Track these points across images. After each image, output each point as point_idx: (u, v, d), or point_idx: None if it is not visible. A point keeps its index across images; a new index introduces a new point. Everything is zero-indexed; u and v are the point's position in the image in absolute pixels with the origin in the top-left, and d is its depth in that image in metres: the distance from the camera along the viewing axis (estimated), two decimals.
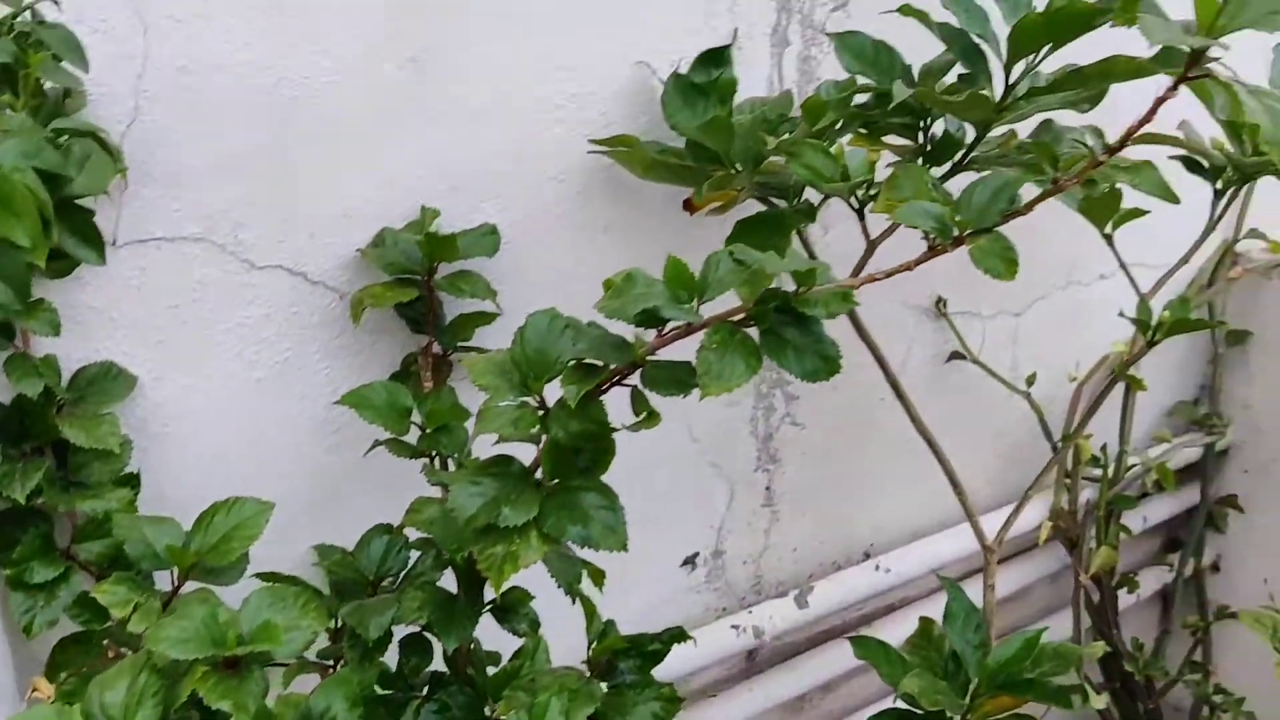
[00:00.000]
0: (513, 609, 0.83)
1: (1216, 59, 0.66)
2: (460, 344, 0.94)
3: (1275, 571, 1.71)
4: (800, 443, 1.27)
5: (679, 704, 0.76)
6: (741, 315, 0.67)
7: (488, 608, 0.83)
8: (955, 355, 1.37)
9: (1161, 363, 1.65)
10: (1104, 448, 1.48)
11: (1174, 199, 0.90)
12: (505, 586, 0.69)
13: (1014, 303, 1.42)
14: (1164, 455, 1.54)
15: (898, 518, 1.41)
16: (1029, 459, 1.53)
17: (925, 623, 1.06)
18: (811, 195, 0.95)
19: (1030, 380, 1.41)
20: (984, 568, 1.08)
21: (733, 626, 1.22)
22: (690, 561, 1.23)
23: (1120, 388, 1.54)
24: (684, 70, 1.00)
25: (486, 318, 0.93)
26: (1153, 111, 0.69)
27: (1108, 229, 1.07)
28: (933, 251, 0.72)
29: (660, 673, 1.15)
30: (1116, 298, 1.38)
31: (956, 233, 0.69)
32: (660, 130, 0.99)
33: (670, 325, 0.69)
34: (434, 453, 0.85)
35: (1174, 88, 0.67)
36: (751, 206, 0.99)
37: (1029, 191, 0.81)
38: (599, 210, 1.03)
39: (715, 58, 1.00)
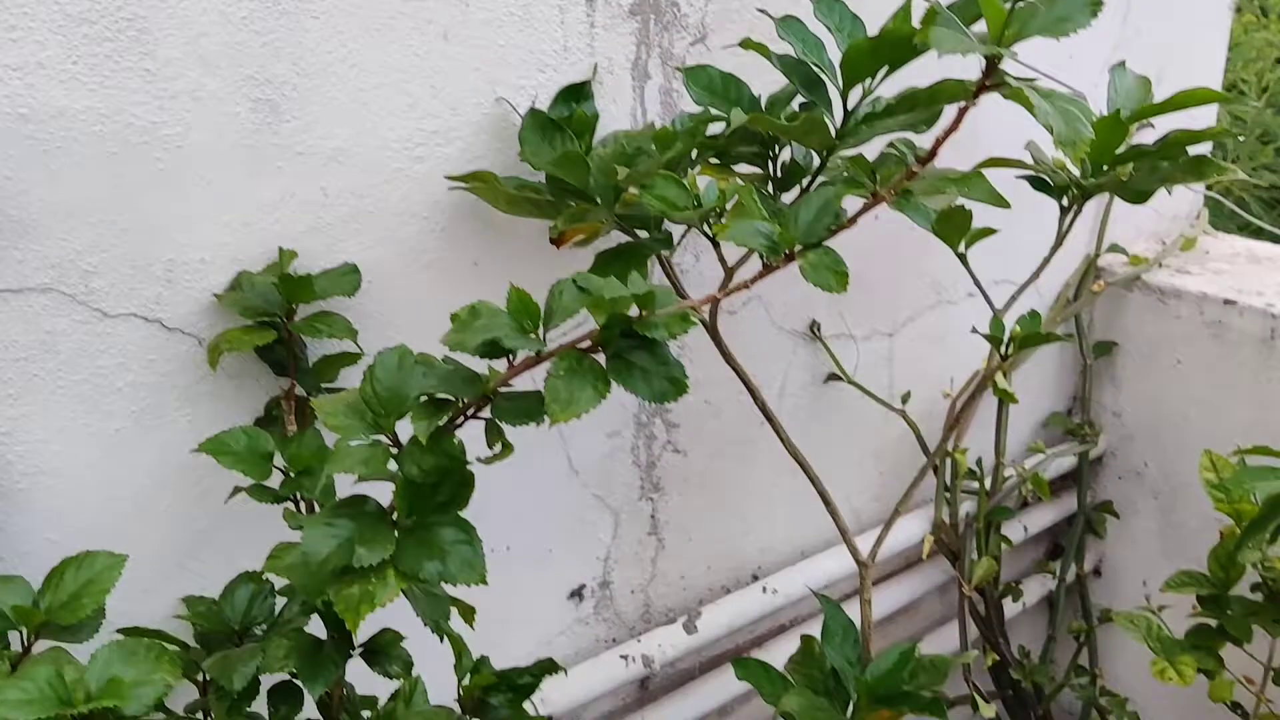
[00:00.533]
0: (383, 651, 0.83)
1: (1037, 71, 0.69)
2: (325, 385, 0.93)
3: (1153, 573, 1.76)
4: (683, 469, 1.28)
5: None
6: (589, 342, 0.68)
7: (357, 651, 0.83)
8: (832, 377, 1.40)
9: (1034, 376, 1.70)
10: (979, 461, 1.52)
11: (1004, 204, 0.93)
12: (364, 627, 0.69)
13: (886, 324, 1.45)
14: (1038, 465, 1.58)
15: (784, 539, 1.43)
16: (910, 475, 1.57)
17: (807, 641, 1.08)
18: (672, 224, 0.97)
19: (905, 398, 1.45)
20: (860, 583, 1.10)
21: (621, 656, 1.22)
22: (577, 594, 1.23)
23: (994, 402, 1.59)
24: (544, 106, 1.01)
25: (350, 358, 0.93)
26: (957, 122, 0.72)
27: (961, 247, 1.11)
28: (766, 269, 0.74)
29: (553, 706, 1.15)
30: (987, 315, 1.43)
31: (787, 250, 0.71)
32: (525, 165, 1.00)
33: (521, 356, 0.69)
34: (298, 497, 0.84)
35: (974, 97, 0.70)
36: (617, 238, 1.01)
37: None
38: (466, 247, 1.03)
39: (575, 93, 1.02)
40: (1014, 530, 1.66)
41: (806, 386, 1.39)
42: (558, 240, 1.01)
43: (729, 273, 0.90)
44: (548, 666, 0.79)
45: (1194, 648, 1.33)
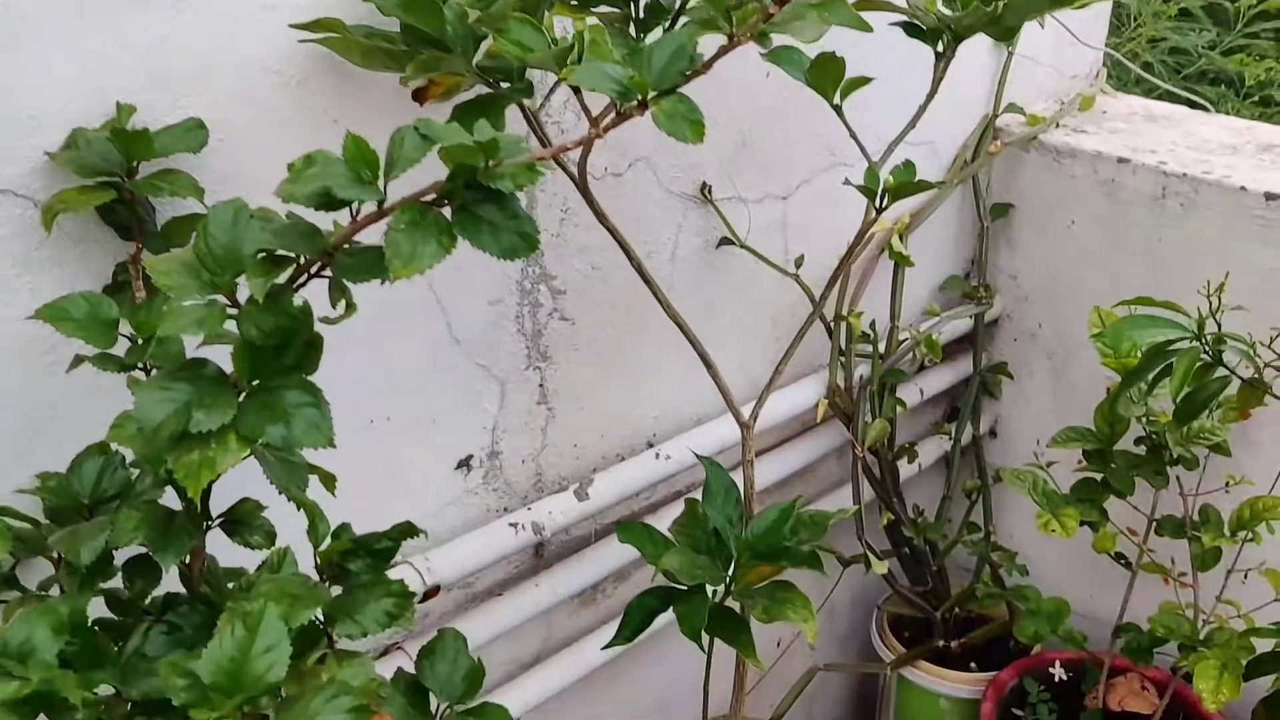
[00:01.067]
0: (244, 521, 0.80)
1: None
2: (176, 249, 0.88)
3: (1046, 432, 1.79)
4: (571, 337, 1.26)
5: (412, 599, 0.74)
6: (434, 195, 0.64)
7: (216, 522, 0.80)
8: (724, 241, 1.38)
9: (932, 240, 1.69)
10: (873, 324, 1.52)
11: (866, 28, 0.91)
12: (225, 496, 0.66)
13: (779, 187, 1.43)
14: (932, 328, 1.59)
15: (679, 406, 1.42)
16: (807, 341, 1.56)
17: (690, 503, 1.07)
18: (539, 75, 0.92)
19: (798, 262, 1.43)
20: (742, 445, 1.10)
21: (511, 524, 1.21)
22: (465, 464, 1.21)
23: (891, 266, 1.58)
24: None
25: (200, 221, 0.88)
26: None
27: (836, 98, 1.08)
28: (620, 116, 0.70)
29: (440, 576, 1.14)
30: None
31: (640, 97, 0.67)
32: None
33: (363, 209, 0.65)
34: (146, 365, 0.80)
35: None
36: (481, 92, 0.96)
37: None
38: (325, 103, 0.98)
39: None
40: (910, 393, 1.68)
41: (699, 251, 1.36)
42: (420, 95, 0.96)
43: (593, 123, 0.86)
44: (406, 530, 0.77)
45: (1078, 501, 1.36)
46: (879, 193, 1.07)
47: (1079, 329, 1.69)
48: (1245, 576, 1.43)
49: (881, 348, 1.55)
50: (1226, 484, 1.41)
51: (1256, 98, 3.31)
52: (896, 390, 1.59)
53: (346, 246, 0.66)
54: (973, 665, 1.69)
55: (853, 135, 1.14)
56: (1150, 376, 1.13)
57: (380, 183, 0.64)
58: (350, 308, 0.67)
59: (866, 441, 1.51)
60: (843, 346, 1.52)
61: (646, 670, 1.47)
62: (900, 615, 1.77)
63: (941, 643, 1.69)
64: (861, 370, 1.55)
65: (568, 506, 1.25)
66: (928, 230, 1.64)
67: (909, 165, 1.06)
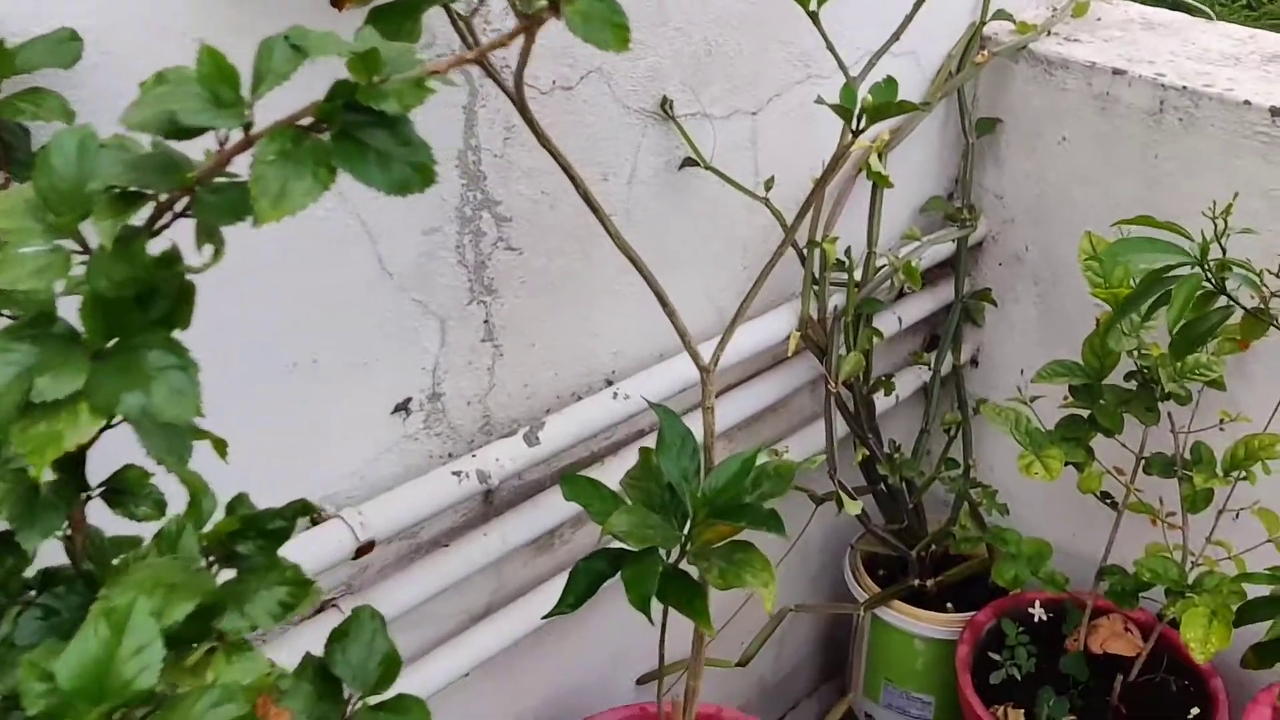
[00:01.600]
0: (128, 490, 0.71)
1: None
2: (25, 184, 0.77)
3: (1031, 362, 1.71)
4: (519, 269, 1.16)
5: (309, 587, 0.66)
6: (310, 118, 0.54)
7: (96, 492, 0.71)
8: (688, 162, 1.27)
9: (913, 158, 1.59)
10: (848, 251, 1.42)
11: None
12: (107, 462, 0.56)
13: (748, 101, 1.32)
14: (912, 254, 1.49)
15: (639, 341, 1.32)
16: (778, 270, 1.47)
17: (644, 453, 0.99)
18: None
19: (769, 185, 1.33)
20: (702, 390, 1.00)
21: (454, 473, 1.12)
22: (403, 408, 1.12)
23: (869, 188, 1.48)
24: None
25: (40, 151, 0.77)
26: None
27: (813, 4, 0.97)
28: (530, 20, 0.60)
29: (376, 530, 1.06)
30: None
31: None
32: None
33: (231, 136, 0.55)
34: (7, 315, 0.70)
35: None
36: None
37: None
38: (226, 12, 0.87)
39: None
40: (888, 322, 1.59)
41: (660, 173, 1.26)
42: (339, 1, 0.85)
43: (525, 29, 0.75)
44: (300, 508, 0.68)
45: (1063, 440, 1.28)
46: (856, 113, 0.96)
47: (1069, 253, 1.59)
48: (1237, 516, 1.36)
49: (858, 275, 1.45)
50: (1221, 421, 1.33)
51: (1245, 1, 3.18)
52: (873, 320, 1.49)
53: (216, 181, 0.56)
54: (949, 606, 1.63)
55: (829, 45, 1.03)
56: (1145, 305, 1.04)
57: (246, 104, 0.53)
58: (218, 253, 0.57)
59: (840, 376, 1.42)
60: (816, 275, 1.43)
61: (603, 618, 1.40)
62: (875, 553, 1.71)
63: (917, 581, 1.63)
64: (836, 300, 1.45)
65: (516, 452, 1.16)
66: (909, 147, 1.53)
67: (890, 82, 0.96)
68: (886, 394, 1.58)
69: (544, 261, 1.18)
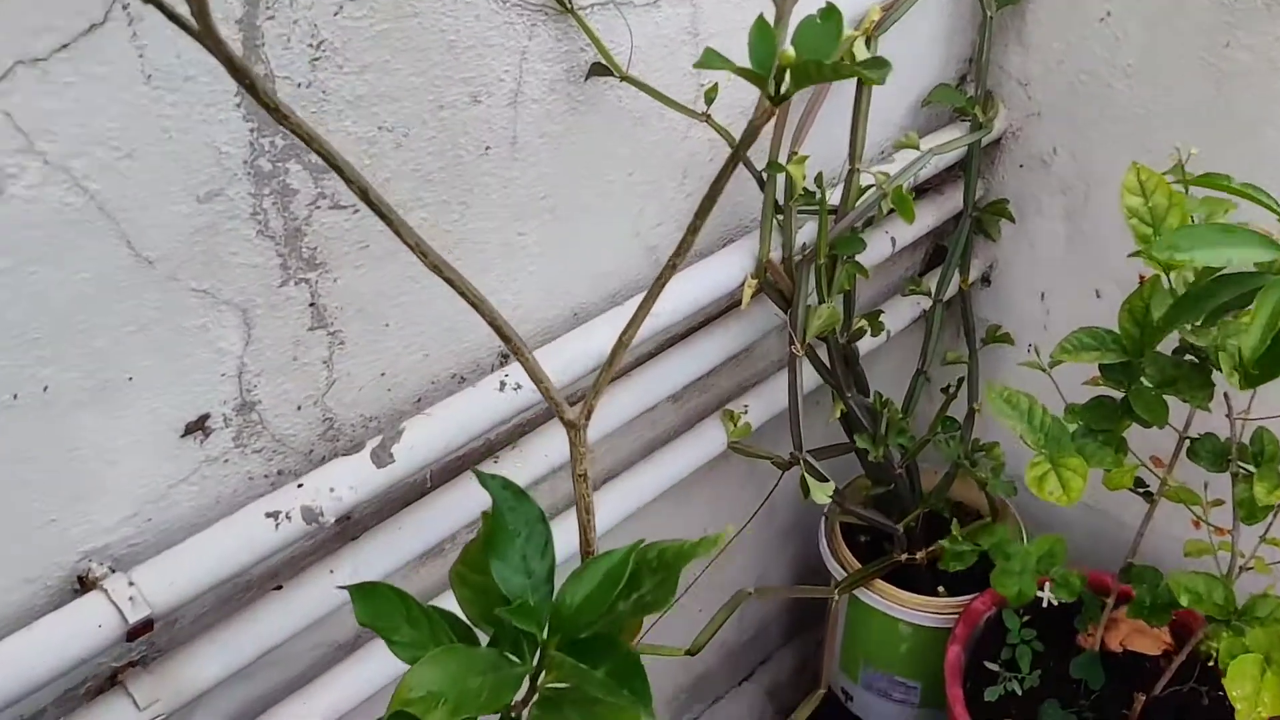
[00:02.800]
0: None
1: None
2: None
3: (1054, 287, 1.41)
4: (356, 232, 0.85)
5: None
6: None
7: None
8: (598, 69, 0.94)
9: (914, 39, 1.24)
10: (819, 178, 1.09)
11: None
12: None
13: None
14: (907, 172, 1.16)
15: (548, 299, 1.02)
16: (732, 197, 1.15)
17: (483, 528, 0.70)
18: None
19: (710, 95, 1.00)
20: (571, 450, 0.71)
21: (268, 514, 0.84)
22: (199, 428, 0.83)
23: (850, 85, 1.14)
24: None
25: None
26: None
27: None
28: None
29: (167, 595, 0.79)
30: None
31: None
32: None
33: None
34: None
35: None
36: None
37: None
38: None
39: None
40: (878, 243, 1.27)
41: (557, 86, 0.93)
42: None
43: None
44: None
45: (1088, 436, 0.99)
46: None
47: (1106, 161, 1.27)
48: None
49: (834, 199, 1.13)
50: None
51: None
52: (855, 257, 1.18)
53: None
54: (941, 589, 1.37)
55: None
56: (1210, 308, 0.74)
57: None
58: None
59: (809, 334, 1.12)
60: (780, 203, 1.11)
61: None
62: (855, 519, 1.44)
63: (904, 555, 1.36)
64: (807, 233, 1.14)
65: (360, 477, 0.88)
66: (909, 22, 1.18)
67: None
68: (874, 334, 1.28)
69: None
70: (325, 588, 0.92)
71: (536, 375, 0.65)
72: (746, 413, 1.24)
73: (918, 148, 1.19)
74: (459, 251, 0.93)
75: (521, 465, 1.02)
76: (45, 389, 0.73)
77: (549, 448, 1.03)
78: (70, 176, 0.69)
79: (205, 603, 0.89)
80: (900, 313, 1.39)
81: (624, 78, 0.94)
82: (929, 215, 1.36)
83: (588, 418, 0.66)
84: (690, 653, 1.27)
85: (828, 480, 1.18)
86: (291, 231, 0.81)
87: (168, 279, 0.76)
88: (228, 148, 0.75)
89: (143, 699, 0.83)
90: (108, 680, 0.86)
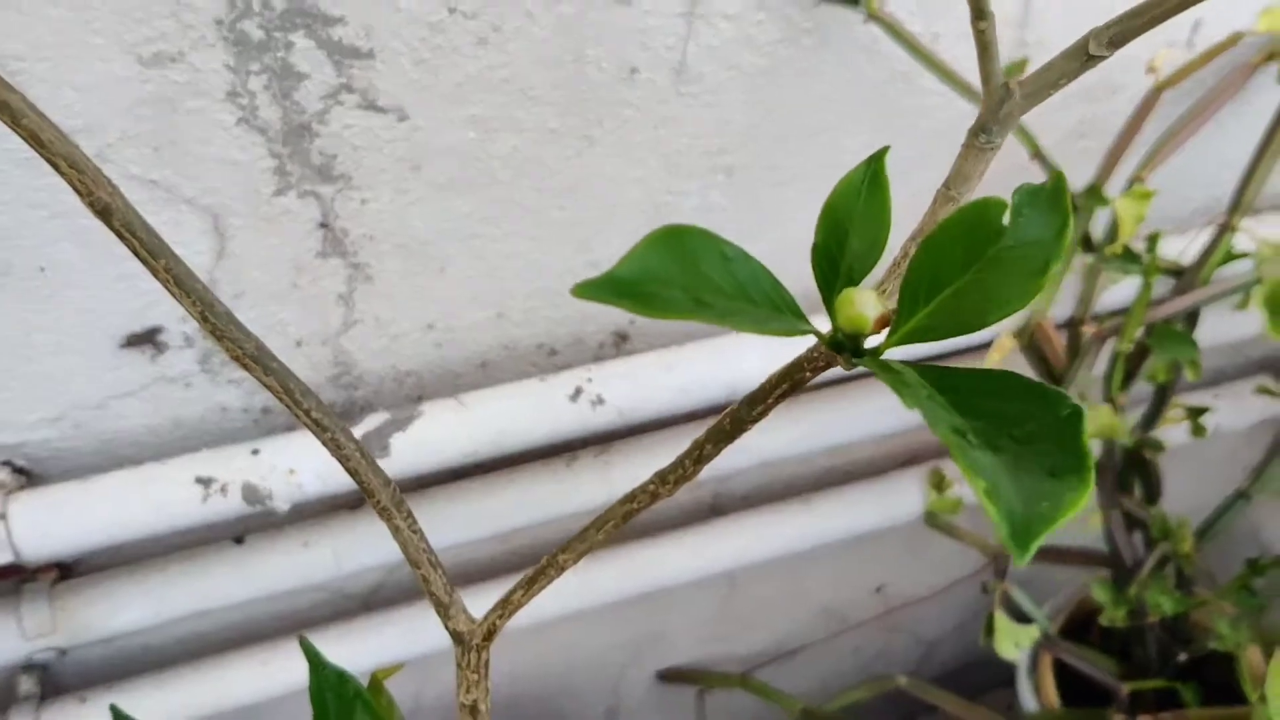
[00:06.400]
0: None
1: None
2: None
3: None
4: (403, 146, 0.59)
5: None
6: None
7: None
8: None
9: None
10: (1153, 238, 0.70)
11: None
12: None
13: None
14: None
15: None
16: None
17: None
18: None
19: (1015, 70, 0.64)
20: (456, 677, 0.43)
21: (199, 480, 0.64)
22: (148, 341, 0.63)
23: (1255, 96, 0.73)
24: None
25: None
26: None
27: None
28: None
29: (93, 534, 0.62)
30: None
31: None
32: None
33: None
34: None
35: None
36: None
37: None
38: None
39: None
40: (1222, 320, 0.86)
41: (771, 2, 0.61)
42: None
43: None
44: None
45: None
46: None
47: None
48: None
49: (1172, 257, 0.74)
50: None
51: None
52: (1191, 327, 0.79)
53: None
54: None
55: None
56: None
57: None
58: None
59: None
60: (1087, 243, 0.74)
61: None
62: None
63: (1122, 716, 1.01)
64: (1119, 294, 0.77)
65: (334, 464, 0.65)
66: None
67: None
68: (1194, 435, 0.89)
69: (472, 137, 0.60)
70: (295, 558, 0.72)
71: (410, 553, 0.38)
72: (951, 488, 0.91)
73: None
74: (570, 200, 0.65)
75: (579, 480, 0.75)
76: None
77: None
78: None
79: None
80: (1232, 410, 0.97)
81: (872, 15, 0.60)
82: None
83: (486, 638, 0.39)
84: (807, 714, 1.02)
85: (1031, 623, 0.85)
86: (295, 128, 0.56)
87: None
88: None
89: (34, 626, 0.68)
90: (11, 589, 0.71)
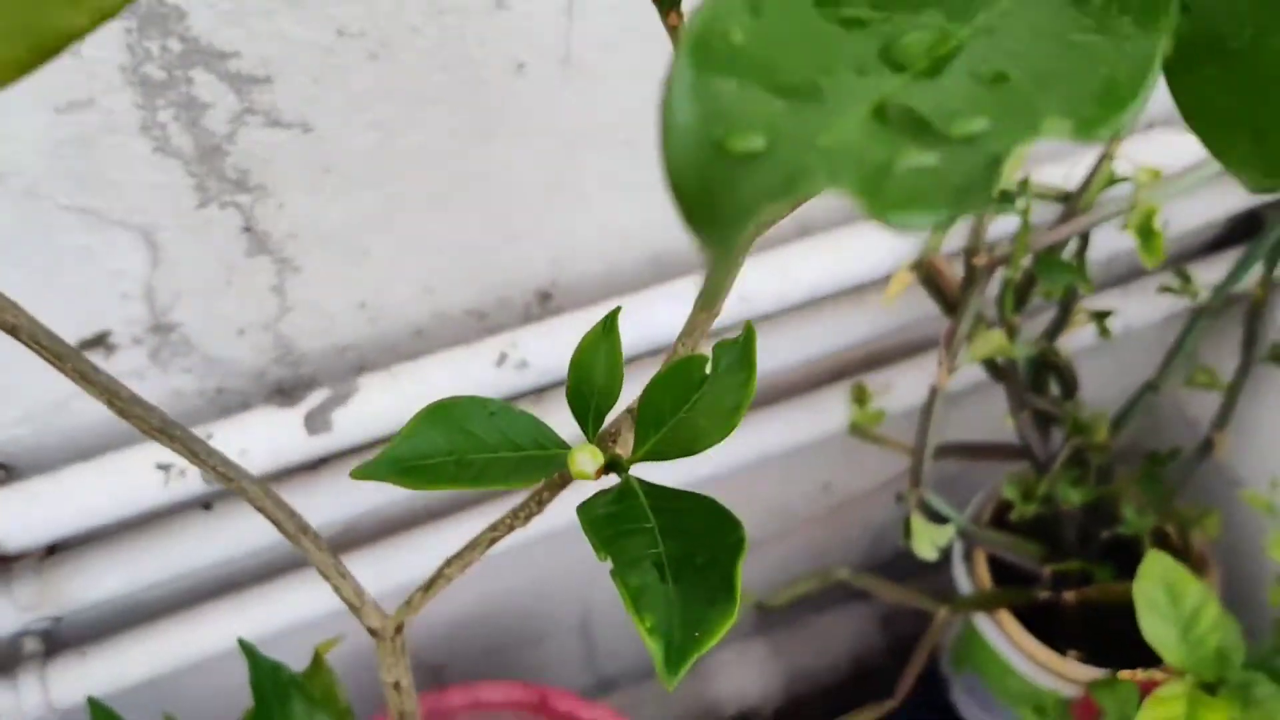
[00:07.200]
0: None
1: None
2: None
3: None
4: (310, 154, 0.64)
5: None
6: None
7: None
8: None
9: None
10: (1022, 183, 0.75)
11: None
12: None
13: None
14: (1184, 185, 0.78)
15: (594, 247, 0.78)
16: None
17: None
18: None
19: None
20: (379, 661, 0.49)
21: (160, 466, 0.70)
22: (99, 344, 0.69)
23: None
24: None
25: None
26: None
27: None
28: None
29: (64, 522, 0.69)
30: None
31: None
32: None
33: None
34: None
35: None
36: None
37: None
38: None
39: None
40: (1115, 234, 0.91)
41: None
42: None
43: None
44: None
45: None
46: None
47: None
48: None
49: (1057, 183, 0.79)
50: None
51: None
52: (1085, 249, 0.84)
53: None
54: (1071, 652, 1.09)
55: None
56: None
57: None
58: None
59: (966, 358, 0.82)
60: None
61: None
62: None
63: (1046, 594, 1.09)
64: (1011, 222, 0.81)
65: (282, 442, 0.72)
66: None
67: None
68: (1101, 336, 0.95)
69: (375, 139, 0.64)
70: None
71: (322, 569, 0.45)
72: (888, 390, 0.98)
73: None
74: (478, 183, 0.70)
75: None
76: None
77: None
78: None
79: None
80: (1140, 309, 1.03)
81: None
82: (1225, 198, 0.96)
83: (398, 631, 0.46)
84: (760, 607, 1.11)
85: (947, 521, 0.92)
86: (207, 150, 0.61)
87: (24, 194, 0.59)
88: (91, 50, 0.54)
89: (25, 600, 0.75)
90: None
